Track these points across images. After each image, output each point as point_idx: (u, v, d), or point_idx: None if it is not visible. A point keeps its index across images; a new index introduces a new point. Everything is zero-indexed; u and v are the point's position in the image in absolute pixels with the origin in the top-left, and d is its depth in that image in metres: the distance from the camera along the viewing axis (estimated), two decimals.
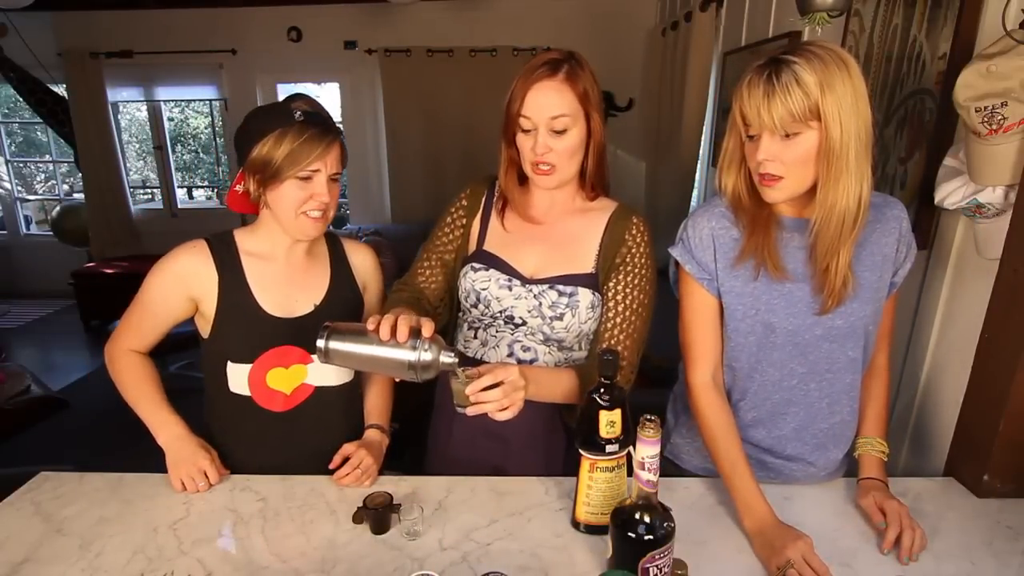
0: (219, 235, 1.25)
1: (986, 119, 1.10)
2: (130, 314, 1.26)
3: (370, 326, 1.00)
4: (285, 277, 1.25)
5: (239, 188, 1.20)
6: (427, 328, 0.99)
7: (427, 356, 0.99)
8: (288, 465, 1.27)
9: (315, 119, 1.16)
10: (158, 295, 1.23)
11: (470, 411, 1.00)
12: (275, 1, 4.69)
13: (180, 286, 1.21)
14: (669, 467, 1.31)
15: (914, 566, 1.00)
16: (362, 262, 1.37)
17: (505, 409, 1.00)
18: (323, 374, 1.28)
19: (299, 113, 1.14)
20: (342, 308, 1.30)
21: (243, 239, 1.25)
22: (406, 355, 0.99)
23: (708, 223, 1.13)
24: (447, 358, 1.00)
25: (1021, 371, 1.12)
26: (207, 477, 1.20)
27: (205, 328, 1.24)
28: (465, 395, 1.00)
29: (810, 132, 0.96)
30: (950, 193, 1.23)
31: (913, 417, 1.47)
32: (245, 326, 1.22)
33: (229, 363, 1.23)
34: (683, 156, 3.46)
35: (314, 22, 4.84)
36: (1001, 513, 1.14)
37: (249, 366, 1.23)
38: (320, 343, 1.01)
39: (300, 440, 1.28)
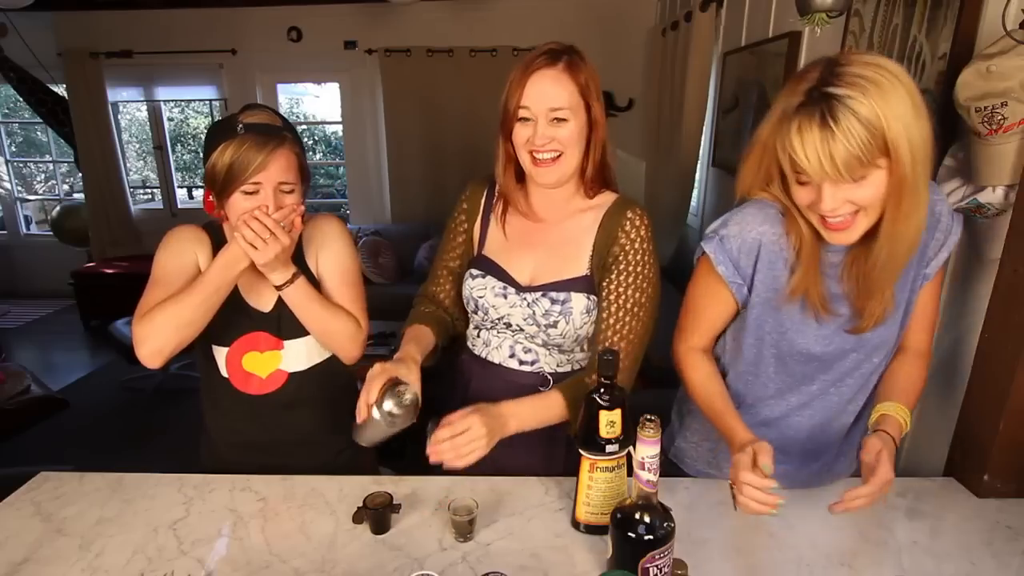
0: (213, 223, 1.30)
1: (986, 119, 1.10)
2: (149, 290, 1.20)
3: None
4: (255, 267, 1.25)
5: (211, 197, 1.21)
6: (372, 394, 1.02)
7: (388, 411, 1.02)
8: (270, 448, 1.32)
9: (257, 130, 1.14)
10: (171, 258, 1.22)
11: (432, 459, 1.01)
12: (275, 1, 4.68)
13: (187, 248, 1.24)
14: (673, 471, 1.31)
15: (914, 566, 1.00)
16: (310, 235, 1.30)
17: (463, 457, 1.01)
18: (295, 359, 1.30)
19: (241, 126, 1.13)
20: None
21: (228, 228, 1.27)
22: (376, 415, 1.02)
23: (759, 227, 1.03)
24: (397, 405, 1.02)
25: (1021, 371, 1.12)
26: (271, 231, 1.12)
27: None
28: (462, 530, 1.04)
29: (879, 171, 0.86)
30: (950, 193, 1.23)
31: (913, 417, 1.46)
32: (224, 308, 1.22)
33: (213, 346, 1.27)
34: (683, 156, 3.46)
35: (314, 22, 4.83)
36: (1001, 513, 1.14)
37: (227, 349, 1.26)
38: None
39: (276, 423, 1.31)
